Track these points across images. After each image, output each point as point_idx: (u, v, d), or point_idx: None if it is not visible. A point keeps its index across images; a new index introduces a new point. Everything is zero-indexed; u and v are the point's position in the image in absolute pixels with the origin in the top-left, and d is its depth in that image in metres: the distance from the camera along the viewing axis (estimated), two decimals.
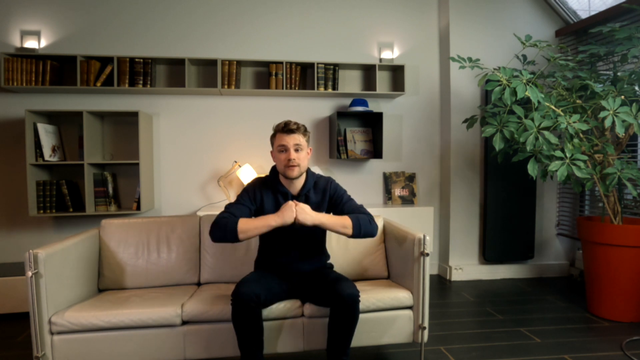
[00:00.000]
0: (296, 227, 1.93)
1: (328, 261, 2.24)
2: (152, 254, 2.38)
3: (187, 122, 3.66)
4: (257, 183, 2.09)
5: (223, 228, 1.86)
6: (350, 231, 1.94)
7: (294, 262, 2.08)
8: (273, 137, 2.05)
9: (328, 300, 1.91)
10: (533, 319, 2.87)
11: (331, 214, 2.08)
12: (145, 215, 3.50)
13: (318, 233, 2.13)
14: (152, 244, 2.39)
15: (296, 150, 1.97)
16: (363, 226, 1.96)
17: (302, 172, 2.02)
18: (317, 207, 2.06)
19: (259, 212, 2.03)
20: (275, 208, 2.01)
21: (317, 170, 3.52)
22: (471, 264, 3.85)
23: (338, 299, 1.85)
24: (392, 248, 2.41)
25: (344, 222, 1.94)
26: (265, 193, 2.05)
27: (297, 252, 2.08)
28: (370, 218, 2.00)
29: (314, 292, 2.01)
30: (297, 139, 1.98)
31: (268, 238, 2.06)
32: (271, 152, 2.09)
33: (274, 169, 2.10)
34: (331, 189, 2.11)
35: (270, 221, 1.89)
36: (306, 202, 2.06)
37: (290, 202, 1.91)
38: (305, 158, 2.01)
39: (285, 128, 1.98)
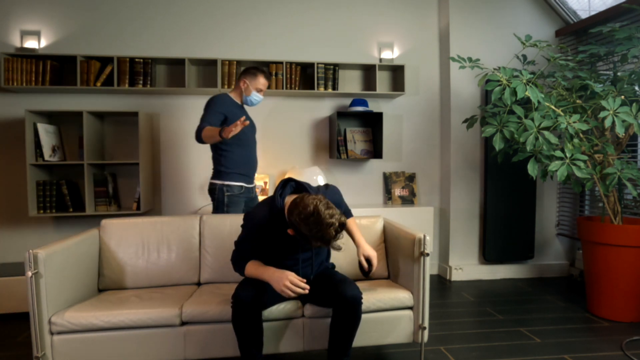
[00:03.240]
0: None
1: (330, 261, 2.24)
2: (152, 254, 2.38)
3: (187, 122, 3.66)
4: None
5: (238, 270, 2.00)
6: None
7: (297, 264, 2.07)
8: None
9: (330, 302, 1.91)
10: (533, 319, 2.87)
11: None
12: (145, 215, 3.50)
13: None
14: (152, 244, 2.39)
15: None
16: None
17: None
18: None
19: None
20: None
21: (317, 170, 3.51)
22: (471, 264, 3.85)
23: (341, 301, 1.85)
24: (392, 248, 2.41)
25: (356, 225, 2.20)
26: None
27: (303, 257, 2.06)
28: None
29: (315, 293, 2.00)
30: None
31: (271, 242, 2.02)
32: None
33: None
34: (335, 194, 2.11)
35: (265, 277, 1.88)
36: None
37: (289, 278, 1.83)
38: None
39: None
